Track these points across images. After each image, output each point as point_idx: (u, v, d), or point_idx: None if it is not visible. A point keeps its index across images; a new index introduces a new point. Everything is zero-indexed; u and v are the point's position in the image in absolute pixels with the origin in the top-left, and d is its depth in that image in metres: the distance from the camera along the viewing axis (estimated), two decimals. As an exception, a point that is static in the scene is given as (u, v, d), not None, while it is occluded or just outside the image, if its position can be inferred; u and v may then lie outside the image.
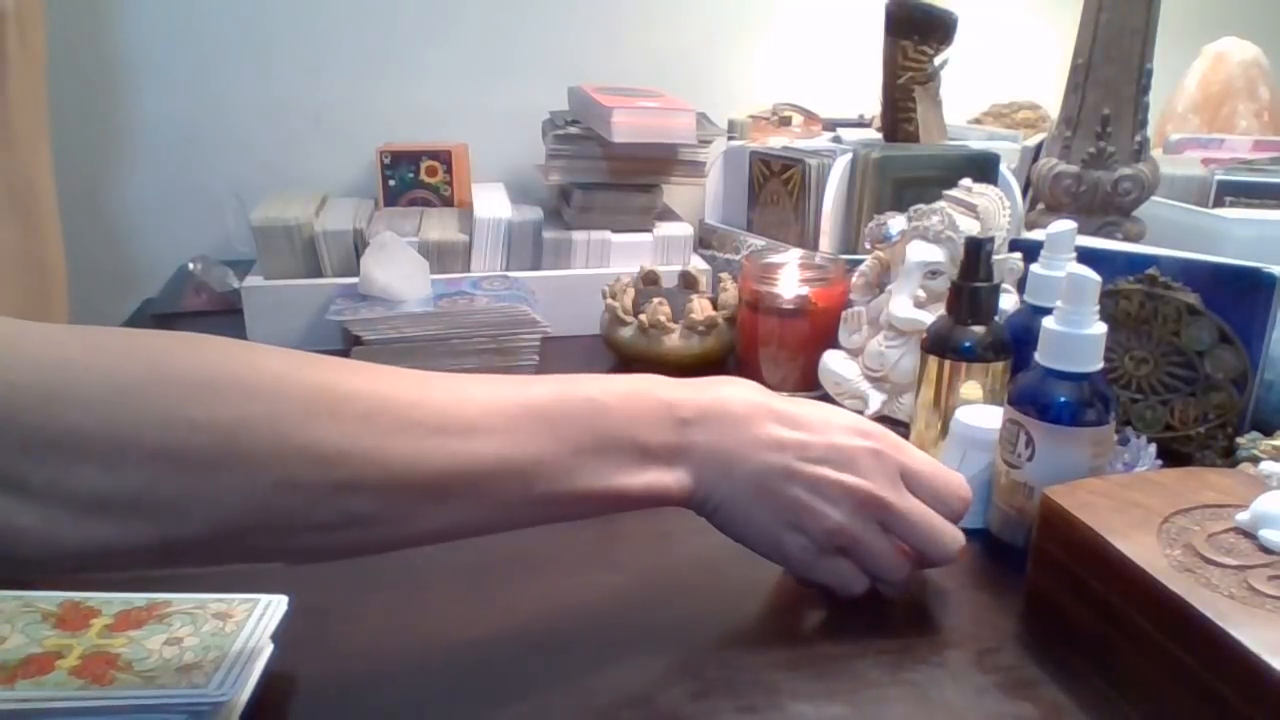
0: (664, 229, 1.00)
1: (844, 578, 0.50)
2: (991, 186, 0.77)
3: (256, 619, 0.46)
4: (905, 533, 0.49)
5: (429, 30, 1.14)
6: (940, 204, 0.71)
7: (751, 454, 0.47)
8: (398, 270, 0.85)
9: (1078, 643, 0.47)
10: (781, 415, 0.48)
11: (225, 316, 0.92)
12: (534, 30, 1.17)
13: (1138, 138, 0.86)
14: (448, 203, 1.04)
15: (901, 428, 0.69)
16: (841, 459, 0.47)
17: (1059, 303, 0.52)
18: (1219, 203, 0.96)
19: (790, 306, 0.78)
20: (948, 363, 0.62)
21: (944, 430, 0.62)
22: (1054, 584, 0.49)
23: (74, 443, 0.32)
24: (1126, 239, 0.85)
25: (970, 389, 0.61)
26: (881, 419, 0.71)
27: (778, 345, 0.79)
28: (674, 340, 0.83)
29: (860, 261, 0.76)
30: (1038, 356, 0.53)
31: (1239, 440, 0.64)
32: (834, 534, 0.48)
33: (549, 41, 1.17)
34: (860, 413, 0.72)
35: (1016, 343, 0.62)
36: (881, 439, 0.49)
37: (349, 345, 0.83)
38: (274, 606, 0.47)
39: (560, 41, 1.17)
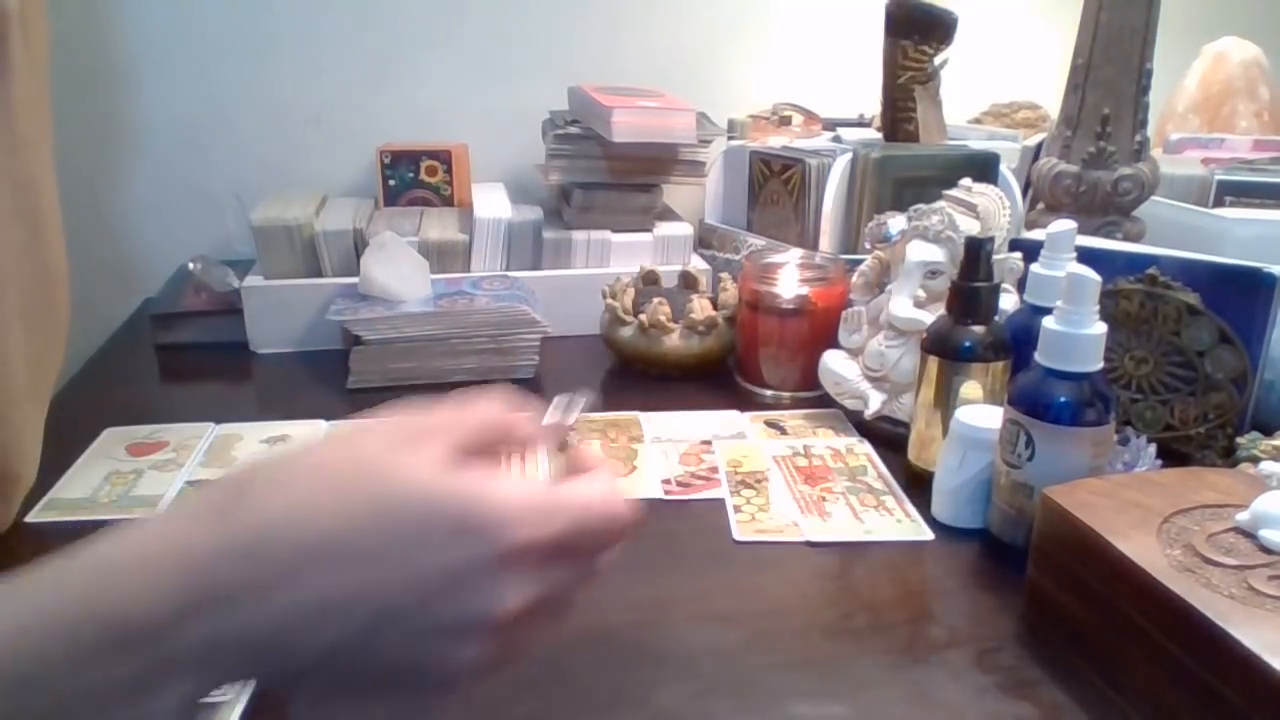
0: (664, 229, 1.00)
1: None
2: (991, 186, 0.77)
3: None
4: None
5: (429, 30, 1.14)
6: (940, 204, 0.71)
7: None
8: (397, 270, 0.85)
9: (1077, 643, 0.47)
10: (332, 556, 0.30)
11: (225, 316, 0.92)
12: (534, 30, 1.17)
13: (1138, 137, 0.86)
14: (448, 203, 1.04)
15: (901, 428, 0.69)
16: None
17: (1059, 302, 0.52)
18: (1219, 202, 0.96)
19: (790, 306, 0.78)
20: (948, 362, 0.62)
21: (944, 430, 0.62)
22: (1054, 584, 0.49)
23: None
24: (1126, 239, 0.85)
25: (970, 389, 0.61)
26: (881, 419, 0.71)
27: (778, 345, 0.79)
28: (674, 340, 0.83)
29: (860, 261, 0.76)
30: (1038, 356, 0.53)
31: (1239, 440, 0.64)
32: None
33: (549, 41, 1.17)
34: (860, 412, 0.72)
35: (1016, 343, 0.62)
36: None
37: (349, 345, 0.83)
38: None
39: (560, 41, 1.17)
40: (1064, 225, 0.64)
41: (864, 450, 0.71)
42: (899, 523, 0.61)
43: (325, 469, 0.32)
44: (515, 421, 0.36)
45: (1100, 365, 0.52)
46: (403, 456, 0.32)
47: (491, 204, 0.98)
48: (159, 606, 0.29)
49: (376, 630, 0.30)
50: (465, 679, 0.33)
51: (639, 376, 0.85)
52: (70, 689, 0.28)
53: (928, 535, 0.59)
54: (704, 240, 1.08)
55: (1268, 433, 0.63)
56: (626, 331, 0.84)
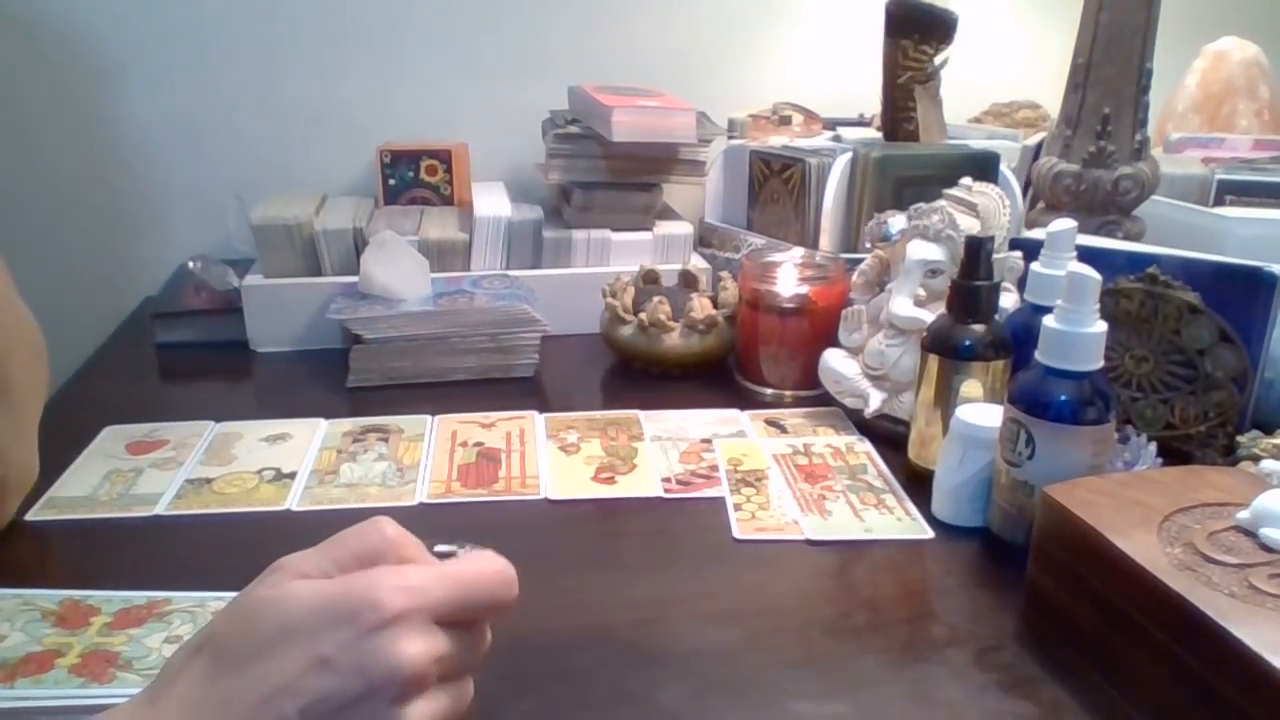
0: (664, 228, 1.00)
1: None
2: (992, 185, 0.77)
3: (256, 617, 0.45)
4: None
5: (429, 30, 1.14)
6: (940, 203, 0.71)
7: None
8: (397, 269, 0.85)
9: (1078, 642, 0.47)
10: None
11: (225, 315, 0.92)
12: (534, 30, 1.16)
13: (1138, 137, 0.86)
14: (448, 202, 1.04)
15: (902, 426, 0.69)
16: None
17: (1059, 301, 0.52)
18: (1219, 201, 0.96)
19: (790, 305, 0.78)
20: (948, 361, 0.62)
21: (944, 429, 0.62)
22: (1054, 582, 0.49)
23: None
24: (1127, 238, 0.85)
25: (970, 387, 0.61)
26: (882, 417, 0.71)
27: (778, 344, 0.79)
28: (674, 339, 0.83)
29: (860, 260, 0.76)
30: (1038, 355, 0.53)
31: (1239, 439, 0.63)
32: None
33: (549, 41, 1.17)
34: (860, 411, 0.72)
35: (1017, 341, 0.62)
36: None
37: (349, 344, 0.83)
38: (273, 605, 0.46)
39: (560, 41, 1.17)
40: (1064, 224, 0.64)
41: (864, 449, 0.71)
42: (899, 521, 0.61)
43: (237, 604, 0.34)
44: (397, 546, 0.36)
45: (1100, 364, 0.52)
46: (291, 581, 0.34)
47: (491, 203, 0.98)
48: None
49: None
50: None
51: (639, 375, 0.85)
52: None
53: (928, 534, 0.59)
54: (704, 239, 1.08)
55: (1268, 431, 0.63)
56: (626, 330, 0.84)
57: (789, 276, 0.80)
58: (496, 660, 0.47)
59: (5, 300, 0.58)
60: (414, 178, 1.03)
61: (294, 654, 0.31)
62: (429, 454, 0.70)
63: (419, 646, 0.32)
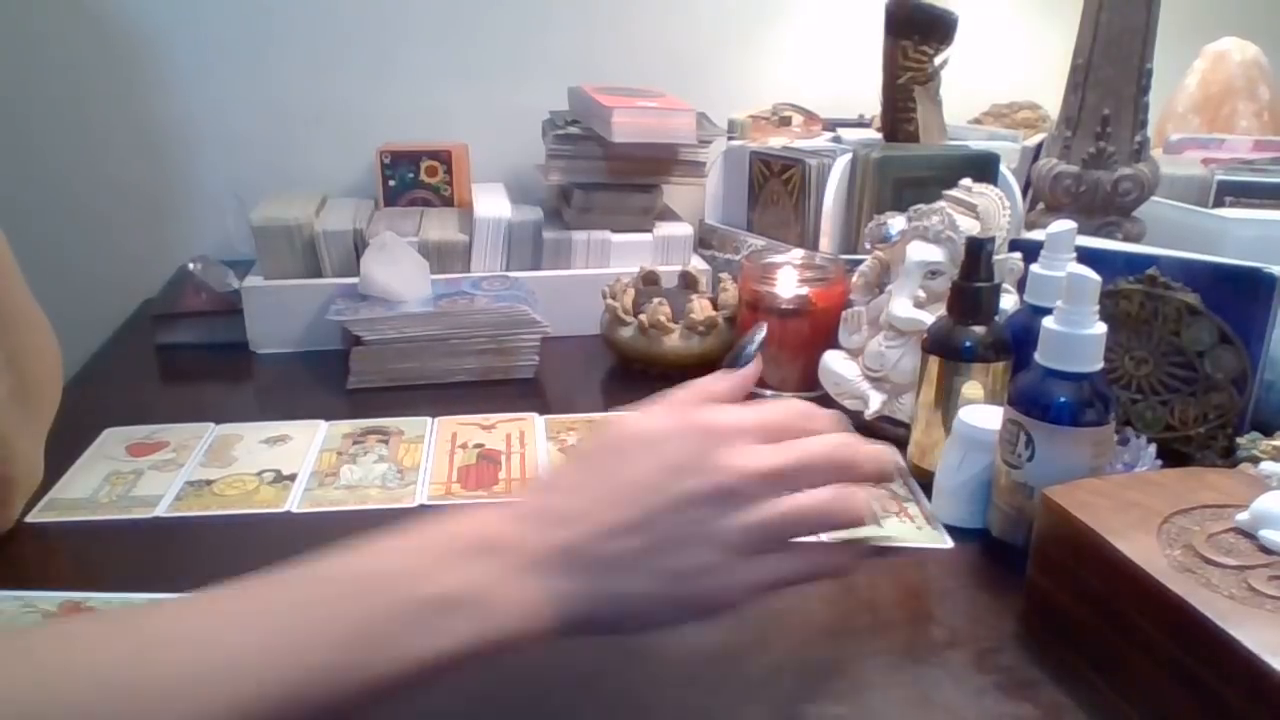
0: (664, 229, 1.00)
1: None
2: (991, 186, 0.77)
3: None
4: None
5: (429, 30, 1.14)
6: (940, 204, 0.71)
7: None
8: (398, 270, 0.85)
9: (1078, 644, 0.47)
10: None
11: (225, 316, 0.92)
12: (534, 30, 1.17)
13: (1138, 138, 0.86)
14: (448, 203, 1.04)
15: (902, 428, 0.69)
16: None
17: (1059, 303, 0.52)
18: (1219, 203, 0.96)
19: (790, 307, 0.78)
20: (948, 363, 0.62)
21: (945, 430, 0.62)
22: (1054, 584, 0.49)
23: None
24: (1126, 239, 0.85)
25: (971, 389, 0.61)
26: (882, 419, 0.71)
27: (778, 345, 0.79)
28: (674, 340, 0.83)
29: (860, 261, 0.76)
30: (1038, 356, 0.53)
31: (1239, 440, 0.64)
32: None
33: (549, 41, 1.17)
34: (860, 413, 0.72)
35: (1017, 343, 0.62)
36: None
37: (349, 345, 0.83)
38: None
39: (560, 41, 1.17)
40: (1064, 225, 0.64)
41: (864, 450, 0.71)
42: (903, 524, 0.61)
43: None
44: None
45: (1100, 365, 0.52)
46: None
47: (491, 204, 0.98)
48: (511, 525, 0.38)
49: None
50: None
51: (639, 376, 0.85)
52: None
53: (947, 543, 0.59)
54: (704, 240, 1.08)
55: (1268, 433, 0.63)
56: (626, 332, 0.84)
57: (789, 278, 0.80)
58: (496, 662, 0.47)
59: (29, 304, 0.58)
60: (414, 179, 1.03)
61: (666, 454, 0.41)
62: (429, 456, 0.70)
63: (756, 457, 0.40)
